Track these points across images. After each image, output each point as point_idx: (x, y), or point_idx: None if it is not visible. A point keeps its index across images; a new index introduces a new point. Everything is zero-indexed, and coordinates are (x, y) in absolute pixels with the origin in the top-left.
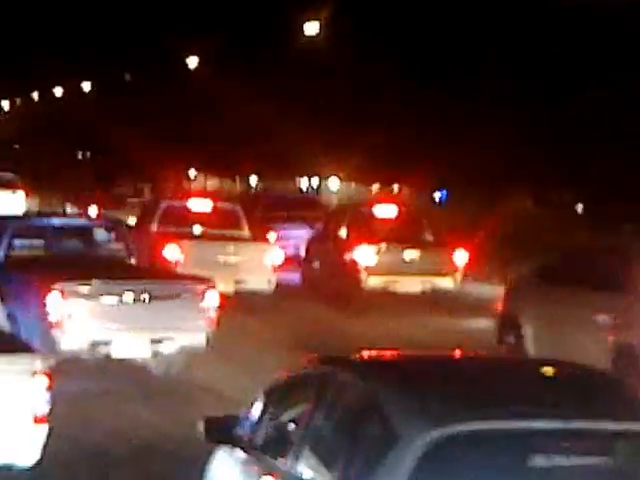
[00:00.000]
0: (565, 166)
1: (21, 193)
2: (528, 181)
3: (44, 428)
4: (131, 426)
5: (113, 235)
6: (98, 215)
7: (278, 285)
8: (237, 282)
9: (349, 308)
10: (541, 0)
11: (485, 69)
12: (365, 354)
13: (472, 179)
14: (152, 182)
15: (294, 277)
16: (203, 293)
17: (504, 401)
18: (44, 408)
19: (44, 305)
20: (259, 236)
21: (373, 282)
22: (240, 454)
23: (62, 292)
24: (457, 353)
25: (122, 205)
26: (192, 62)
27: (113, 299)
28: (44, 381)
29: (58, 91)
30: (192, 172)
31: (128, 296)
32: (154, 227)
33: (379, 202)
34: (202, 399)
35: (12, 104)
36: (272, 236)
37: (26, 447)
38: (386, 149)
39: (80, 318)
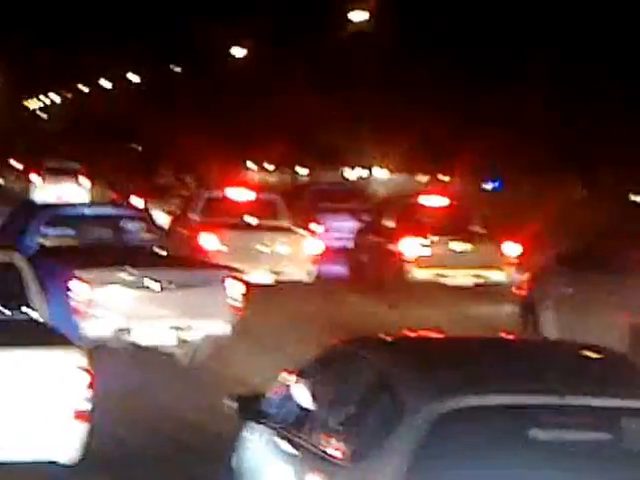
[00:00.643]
0: (618, 152)
1: (85, 181)
2: (579, 168)
3: (85, 425)
4: (167, 421)
5: (144, 225)
6: (140, 205)
7: (324, 276)
8: (276, 272)
9: (393, 300)
10: None
11: (532, 54)
12: (382, 335)
13: (523, 167)
14: (196, 173)
15: (341, 268)
16: (227, 281)
17: (505, 378)
18: (85, 404)
19: (68, 292)
20: (305, 227)
21: (419, 274)
22: (270, 430)
23: (85, 280)
24: (466, 335)
25: (165, 195)
26: (239, 52)
27: (137, 287)
28: (86, 377)
29: (107, 84)
30: (246, 163)
31: (151, 284)
32: (195, 217)
33: (427, 193)
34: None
35: (63, 98)
36: (319, 227)
37: (66, 444)
38: (435, 139)
39: (104, 305)
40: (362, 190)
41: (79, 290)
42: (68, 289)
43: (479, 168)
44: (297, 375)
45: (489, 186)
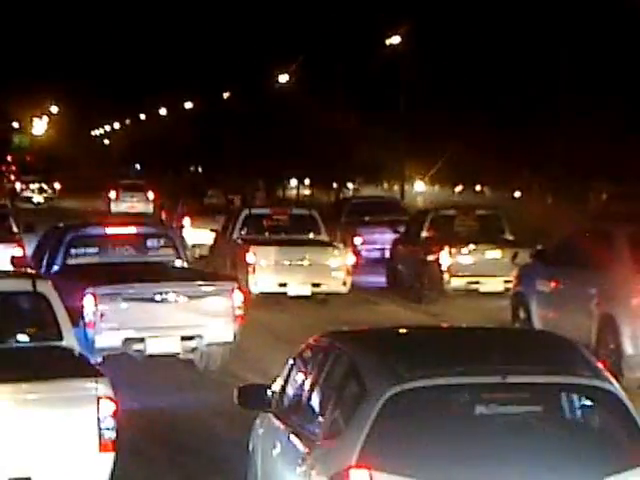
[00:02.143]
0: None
1: (151, 195)
2: (605, 177)
3: (110, 456)
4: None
5: (162, 241)
6: (187, 225)
7: (362, 286)
8: (313, 285)
9: (430, 309)
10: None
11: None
12: (356, 329)
13: (551, 177)
14: (244, 193)
15: (379, 280)
16: (230, 293)
17: (454, 362)
18: (110, 435)
19: (81, 306)
20: (345, 239)
21: (455, 283)
22: (270, 417)
23: (95, 295)
24: (427, 325)
25: (213, 215)
26: (282, 78)
27: (145, 300)
28: (109, 406)
29: (163, 111)
30: (290, 181)
31: (159, 297)
32: (235, 234)
33: (460, 204)
34: None
35: (122, 124)
36: (357, 240)
37: (93, 476)
38: (468, 152)
39: (113, 318)
40: (398, 203)
41: (88, 304)
42: (78, 303)
43: (509, 179)
44: (288, 366)
45: (518, 195)
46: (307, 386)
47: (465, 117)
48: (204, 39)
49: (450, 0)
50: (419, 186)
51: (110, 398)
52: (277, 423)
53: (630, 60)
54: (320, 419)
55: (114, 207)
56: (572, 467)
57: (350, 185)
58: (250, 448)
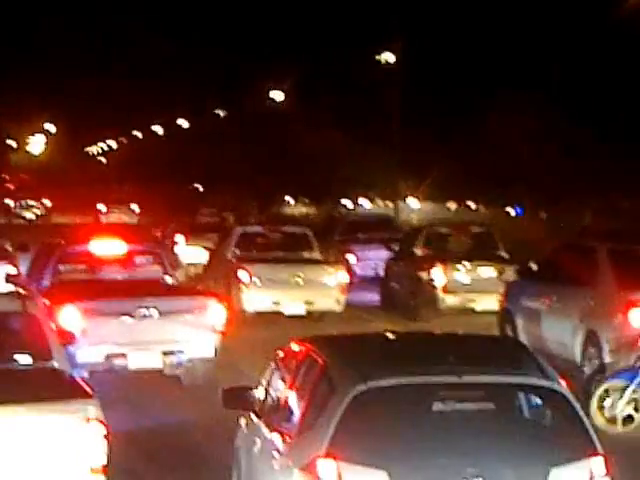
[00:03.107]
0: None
1: (135, 208)
2: (593, 194)
3: (101, 479)
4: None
5: (151, 258)
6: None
7: (357, 305)
8: (307, 302)
9: (424, 327)
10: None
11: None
12: (326, 335)
13: (540, 193)
14: (238, 211)
15: (373, 297)
16: (211, 308)
17: (415, 363)
18: (101, 458)
19: (61, 322)
20: (339, 256)
21: (449, 301)
22: (253, 417)
23: (77, 310)
24: (395, 331)
25: (206, 233)
26: (278, 96)
27: (127, 315)
28: (100, 429)
29: (159, 129)
30: (284, 198)
31: (141, 312)
32: (228, 252)
33: (454, 221)
34: None
35: (119, 143)
36: (351, 258)
37: None
38: (460, 168)
39: (95, 333)
40: (392, 220)
41: (68, 319)
42: (58, 318)
43: (503, 195)
44: (269, 370)
45: (512, 212)
46: (285, 387)
47: (458, 134)
48: (199, 57)
49: (441, 15)
50: (413, 203)
51: (100, 420)
52: (258, 422)
53: (624, 76)
54: (295, 416)
55: (104, 218)
56: (522, 459)
57: (347, 202)
58: (235, 446)
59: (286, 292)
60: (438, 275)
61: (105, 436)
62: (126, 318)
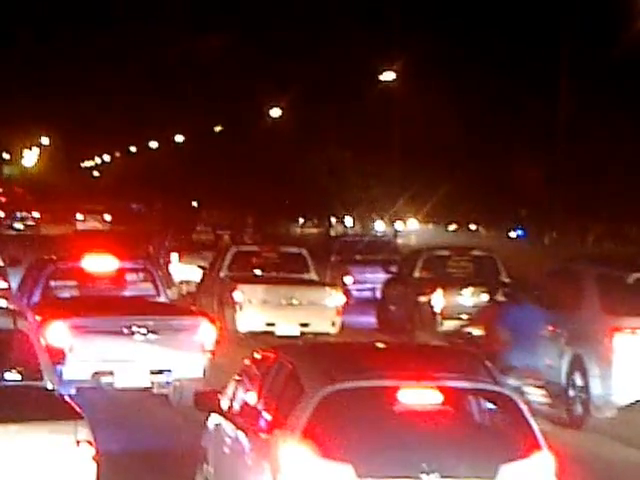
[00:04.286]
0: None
1: (107, 217)
2: (595, 217)
3: None
4: None
5: (142, 276)
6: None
7: (353, 327)
8: (302, 324)
9: None
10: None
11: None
12: (292, 343)
13: (544, 217)
14: (234, 229)
15: (370, 320)
16: (200, 327)
17: (378, 368)
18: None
19: (49, 338)
20: (335, 278)
21: (448, 325)
22: (221, 418)
23: (65, 326)
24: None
25: (201, 251)
26: (275, 113)
27: (115, 333)
28: (89, 450)
29: (154, 144)
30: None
31: (129, 330)
32: (223, 271)
33: (454, 244)
34: None
35: (113, 157)
36: (348, 279)
37: None
38: (461, 191)
39: (82, 350)
40: (390, 242)
41: (55, 336)
42: (46, 335)
43: (504, 217)
44: (237, 375)
45: (514, 234)
46: (254, 390)
47: (460, 153)
48: (198, 72)
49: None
50: (412, 224)
51: (90, 442)
52: (228, 423)
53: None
54: (266, 416)
55: (81, 226)
56: (474, 456)
57: (348, 221)
58: (202, 444)
59: (281, 313)
60: (437, 299)
61: (94, 457)
62: (115, 336)
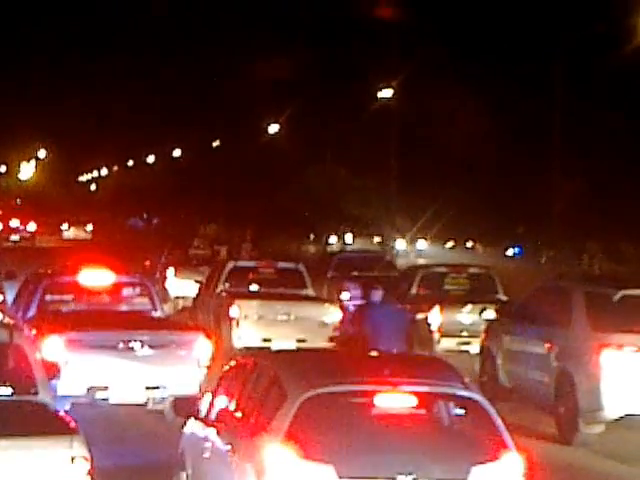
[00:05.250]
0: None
1: (89, 227)
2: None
3: None
4: None
5: (138, 290)
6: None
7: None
8: (298, 340)
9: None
10: None
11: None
12: (272, 350)
13: (543, 233)
14: (231, 245)
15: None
16: (196, 342)
17: (357, 374)
18: None
19: (44, 352)
20: (332, 294)
21: (445, 343)
22: (200, 424)
23: (60, 341)
24: (339, 349)
25: (198, 266)
26: (272, 129)
27: (110, 348)
28: (84, 466)
29: (150, 158)
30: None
31: (124, 345)
32: (220, 286)
33: (450, 261)
34: None
35: (110, 170)
36: (344, 295)
37: None
38: (459, 208)
39: (78, 365)
40: (387, 259)
41: (50, 350)
42: (42, 349)
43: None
44: (217, 381)
45: (510, 252)
46: (235, 395)
47: (457, 171)
48: (197, 87)
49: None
50: (401, 244)
51: (85, 457)
52: (206, 427)
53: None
54: (248, 420)
55: (66, 234)
56: (447, 458)
57: (348, 237)
58: (180, 450)
59: (277, 329)
60: (435, 316)
61: (89, 472)
62: (110, 351)
